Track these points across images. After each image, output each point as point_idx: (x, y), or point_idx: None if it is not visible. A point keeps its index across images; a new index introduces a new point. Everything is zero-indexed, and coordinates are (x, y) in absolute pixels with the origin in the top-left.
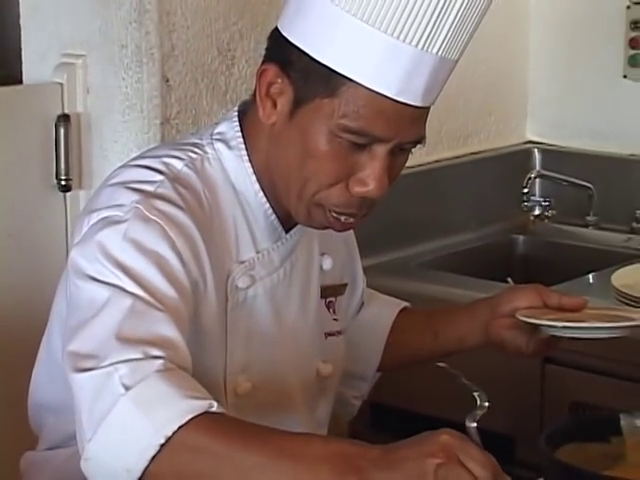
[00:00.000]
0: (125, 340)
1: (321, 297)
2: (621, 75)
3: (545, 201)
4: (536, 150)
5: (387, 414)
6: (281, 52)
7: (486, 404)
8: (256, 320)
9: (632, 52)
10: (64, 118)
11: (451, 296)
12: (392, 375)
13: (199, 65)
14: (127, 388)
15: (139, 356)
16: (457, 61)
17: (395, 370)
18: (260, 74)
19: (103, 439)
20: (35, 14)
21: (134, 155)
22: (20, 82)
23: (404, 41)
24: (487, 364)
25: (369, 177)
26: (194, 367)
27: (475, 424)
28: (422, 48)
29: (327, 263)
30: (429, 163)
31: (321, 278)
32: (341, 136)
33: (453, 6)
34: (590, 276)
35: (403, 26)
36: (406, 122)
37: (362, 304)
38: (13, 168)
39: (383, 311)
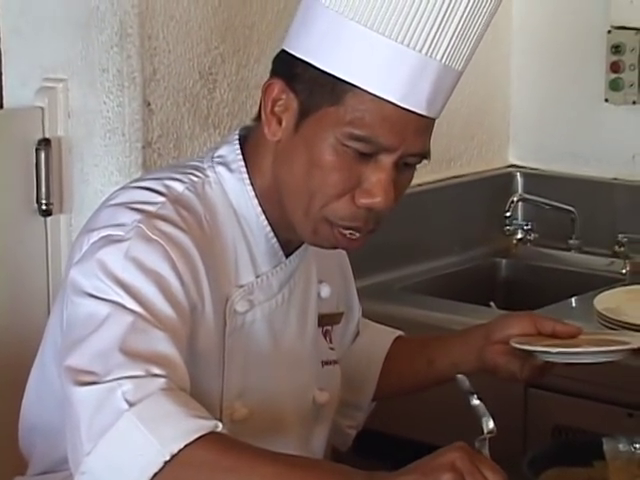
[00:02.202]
0: (128, 355)
1: (318, 325)
2: (602, 99)
3: (527, 224)
4: (518, 174)
5: (372, 439)
6: (286, 67)
7: (492, 427)
8: (254, 345)
9: (613, 76)
10: (45, 142)
11: (434, 320)
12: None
13: (181, 89)
14: (131, 404)
15: (142, 373)
16: (461, 73)
17: (390, 398)
18: (265, 89)
19: (103, 453)
20: (16, 38)
21: (115, 179)
22: (1, 106)
23: (408, 46)
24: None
25: (375, 187)
26: (190, 392)
27: (487, 450)
28: (426, 53)
29: (325, 291)
30: (412, 186)
31: (319, 306)
32: (347, 144)
33: (456, 12)
34: (573, 300)
35: (407, 31)
36: (411, 131)
37: (357, 333)
38: None
39: (378, 340)
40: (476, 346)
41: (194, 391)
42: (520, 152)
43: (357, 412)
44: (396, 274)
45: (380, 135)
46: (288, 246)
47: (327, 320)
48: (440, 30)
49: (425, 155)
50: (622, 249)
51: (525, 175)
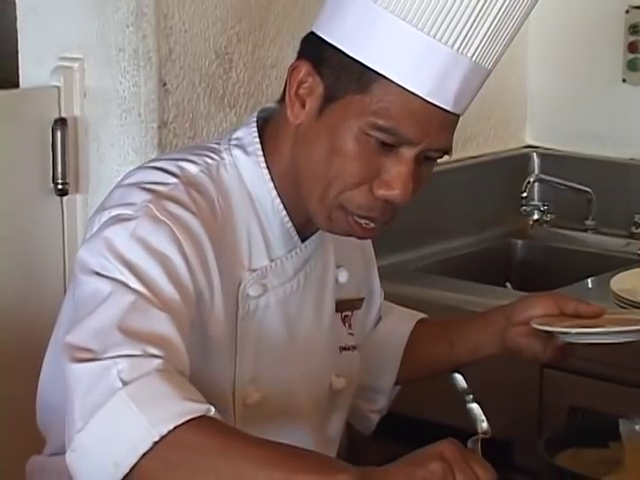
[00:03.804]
0: (126, 334)
1: (337, 311)
2: (620, 79)
3: (544, 205)
4: (535, 154)
5: (392, 422)
6: (315, 50)
7: (486, 428)
8: (267, 330)
9: (631, 56)
10: (61, 122)
11: (449, 301)
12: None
13: (196, 69)
14: (125, 383)
15: (138, 353)
16: (490, 72)
17: (412, 381)
18: (292, 71)
19: (94, 430)
20: (32, 17)
21: (131, 159)
22: (17, 86)
23: (440, 40)
24: (485, 369)
25: (394, 180)
26: (202, 376)
27: (479, 449)
28: (457, 50)
29: (343, 276)
30: None
31: (336, 291)
32: (370, 134)
33: (491, 10)
34: (589, 281)
35: (440, 25)
36: (435, 126)
37: (379, 318)
38: (10, 172)
39: (400, 324)
40: (497, 328)
41: (206, 377)
42: (537, 133)
43: (379, 396)
44: (412, 255)
45: (404, 128)
46: (304, 231)
47: (346, 306)
48: (474, 27)
49: (447, 151)
50: (639, 230)
51: (542, 156)
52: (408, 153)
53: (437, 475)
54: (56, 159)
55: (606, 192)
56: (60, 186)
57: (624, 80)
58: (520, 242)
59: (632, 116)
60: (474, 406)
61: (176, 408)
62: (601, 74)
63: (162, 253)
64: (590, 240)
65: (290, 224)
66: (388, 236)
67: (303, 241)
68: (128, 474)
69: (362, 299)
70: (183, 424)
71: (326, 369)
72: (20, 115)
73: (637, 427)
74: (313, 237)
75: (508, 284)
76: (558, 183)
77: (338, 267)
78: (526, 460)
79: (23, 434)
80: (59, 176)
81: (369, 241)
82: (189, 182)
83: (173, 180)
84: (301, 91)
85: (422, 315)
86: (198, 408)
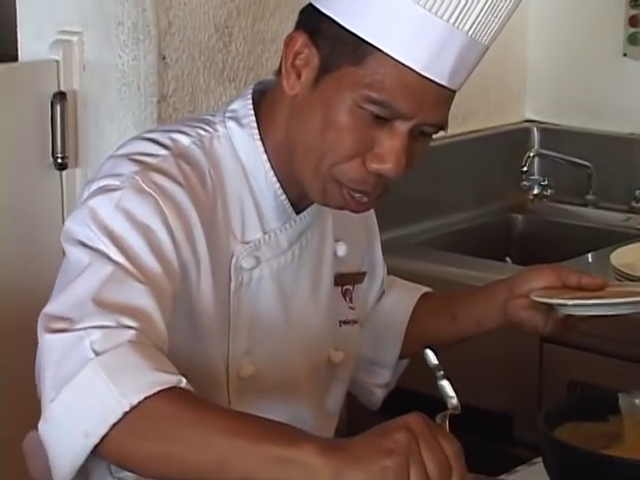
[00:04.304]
0: (100, 305)
1: (337, 285)
2: (621, 53)
3: (544, 180)
4: (535, 129)
5: (396, 396)
6: (311, 21)
7: (456, 404)
8: (261, 303)
9: (632, 30)
10: (60, 96)
11: (449, 275)
12: None
13: (196, 42)
14: (97, 353)
15: (112, 324)
16: (487, 48)
17: (415, 356)
18: (288, 42)
19: (66, 401)
20: None
21: (130, 133)
22: (16, 59)
23: (436, 14)
24: (486, 344)
25: (387, 154)
26: (193, 349)
27: (447, 425)
28: (453, 24)
29: (342, 250)
30: None
31: (336, 265)
32: (364, 107)
33: None
34: (589, 255)
35: None
36: (429, 101)
37: (383, 292)
38: (9, 146)
39: (404, 298)
40: (500, 300)
41: (197, 348)
42: (537, 107)
43: (384, 370)
44: (412, 229)
45: (398, 101)
46: (299, 204)
47: (346, 280)
48: (470, 2)
49: (442, 126)
50: (639, 204)
51: (542, 130)
52: (402, 127)
53: (402, 445)
54: (55, 133)
55: (606, 166)
56: (59, 160)
57: (625, 54)
58: (520, 217)
59: (632, 90)
60: (444, 383)
61: (147, 379)
62: (601, 48)
63: (146, 225)
64: (590, 215)
65: (284, 196)
66: (388, 211)
67: (298, 214)
68: (99, 444)
69: (364, 273)
70: (154, 395)
71: (324, 342)
72: (19, 89)
73: (637, 401)
74: (308, 210)
75: (508, 259)
76: (558, 158)
77: (337, 241)
78: (526, 434)
79: (25, 407)
80: (58, 150)
81: (373, 214)
82: (180, 154)
83: (163, 152)
84: (297, 62)
85: (426, 289)
86: (169, 379)
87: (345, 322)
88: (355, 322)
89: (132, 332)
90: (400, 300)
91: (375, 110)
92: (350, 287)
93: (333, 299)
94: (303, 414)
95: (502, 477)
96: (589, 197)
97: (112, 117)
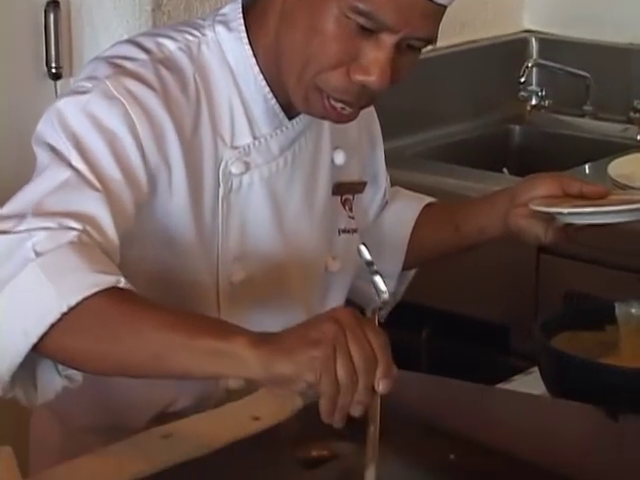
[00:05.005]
0: (49, 208)
1: (336, 194)
2: None
3: (542, 91)
4: (533, 39)
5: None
6: None
7: (386, 298)
8: (252, 209)
9: None
10: (54, 4)
11: (446, 186)
12: None
13: None
14: (38, 254)
15: (54, 226)
16: None
17: (420, 265)
18: None
19: (6, 300)
20: None
21: None
22: None
23: None
24: (483, 255)
25: (372, 65)
26: (174, 263)
27: (376, 320)
28: None
29: (340, 158)
30: (424, 52)
31: (335, 174)
32: (349, 17)
33: None
34: (586, 166)
35: None
36: (417, 14)
37: (386, 203)
38: (3, 56)
39: (407, 208)
40: (501, 209)
41: (178, 260)
42: (535, 16)
43: (388, 280)
44: (409, 140)
45: (384, 13)
46: (291, 109)
47: (346, 189)
48: None
49: (431, 41)
50: (637, 115)
51: (540, 40)
52: (388, 40)
53: (329, 336)
54: (49, 42)
55: (605, 77)
56: (54, 70)
57: None
58: (518, 128)
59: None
60: (377, 278)
61: (85, 280)
62: None
63: (111, 131)
64: (588, 126)
65: (274, 101)
66: (385, 122)
67: (291, 120)
68: (38, 343)
69: (364, 183)
70: (92, 295)
71: (320, 251)
72: None
73: (633, 310)
74: (301, 116)
75: (505, 170)
76: (556, 68)
77: (335, 149)
78: (522, 344)
79: None
80: (52, 59)
81: (376, 121)
82: (162, 59)
83: (143, 56)
84: None
85: (429, 199)
86: (107, 279)
87: (345, 231)
88: (355, 231)
89: (74, 233)
90: (403, 210)
91: (361, 21)
92: (350, 197)
93: (331, 208)
94: (298, 321)
95: (498, 386)
96: (587, 108)
97: (106, 26)
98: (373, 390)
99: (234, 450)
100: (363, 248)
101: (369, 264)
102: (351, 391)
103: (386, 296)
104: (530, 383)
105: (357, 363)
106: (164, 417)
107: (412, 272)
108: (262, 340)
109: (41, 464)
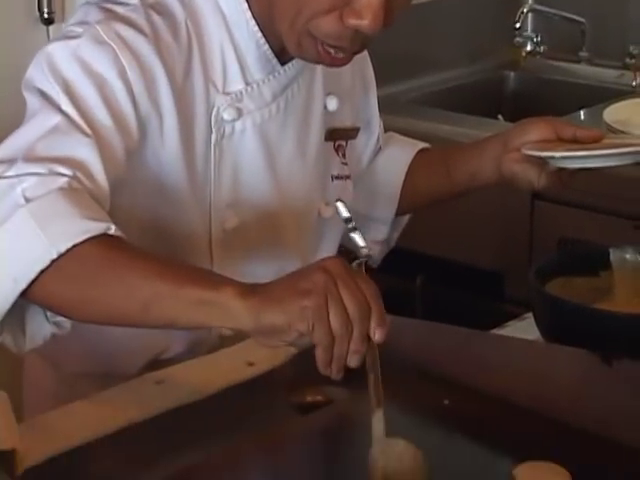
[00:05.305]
0: (39, 153)
1: (329, 140)
2: None
3: (537, 36)
4: None
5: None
6: None
7: (366, 253)
8: (245, 155)
9: None
10: None
11: (441, 132)
12: None
13: None
14: (28, 200)
15: (44, 171)
16: None
17: (412, 212)
18: None
19: None
20: None
21: None
22: None
23: None
24: (477, 202)
25: (365, 9)
26: (166, 213)
27: (363, 269)
28: None
29: (332, 104)
30: None
31: (328, 120)
32: None
33: None
34: (582, 112)
35: None
36: None
37: (379, 149)
38: None
39: (400, 154)
40: (494, 154)
41: (170, 209)
42: None
43: (381, 226)
44: (403, 86)
45: None
46: (284, 55)
47: (339, 135)
48: None
49: None
50: (633, 61)
51: None
52: None
53: (320, 286)
54: None
55: (600, 22)
56: (46, 15)
57: None
58: (513, 74)
59: None
60: (355, 235)
61: (76, 226)
62: None
63: (101, 76)
64: (583, 71)
65: (267, 46)
66: (379, 68)
67: (283, 66)
68: (27, 289)
69: (357, 129)
70: (82, 242)
71: (313, 197)
72: None
73: (627, 256)
74: (294, 62)
75: (500, 116)
76: (552, 13)
77: (328, 94)
78: (516, 291)
79: None
80: (45, 4)
81: (370, 67)
82: (153, 4)
83: (134, 1)
84: None
85: (423, 144)
86: (97, 226)
87: (337, 177)
88: (348, 177)
89: (65, 179)
90: (396, 156)
91: None
92: (343, 143)
93: (324, 154)
94: (291, 269)
95: (493, 332)
96: (582, 54)
97: None
98: (368, 339)
99: (228, 396)
100: (340, 205)
101: (347, 220)
102: (346, 340)
103: (365, 251)
104: (524, 329)
105: (351, 312)
106: (157, 364)
107: (406, 218)
108: (251, 291)
109: (35, 409)
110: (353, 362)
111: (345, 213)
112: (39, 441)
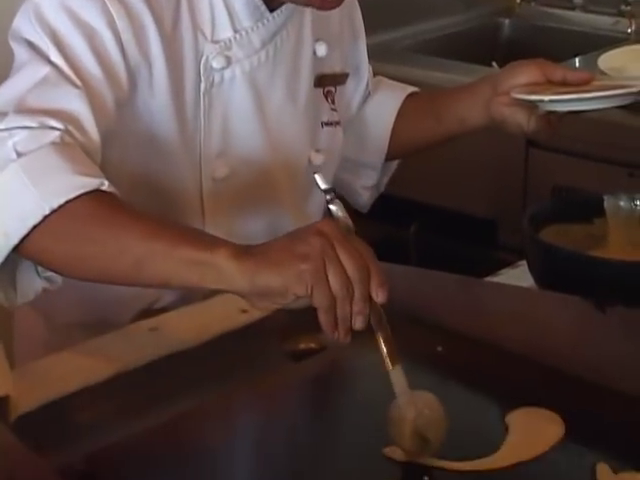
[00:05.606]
0: (29, 106)
1: (318, 86)
2: None
3: None
4: None
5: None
6: None
7: (351, 227)
8: (234, 103)
9: None
10: None
11: (434, 80)
12: None
13: None
14: (19, 155)
15: (36, 125)
16: None
17: (402, 158)
18: None
19: None
20: None
21: None
22: None
23: None
24: (470, 148)
25: None
26: (157, 166)
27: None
28: None
29: (321, 50)
30: None
31: (317, 66)
32: None
33: None
34: (576, 59)
35: None
36: None
37: (368, 94)
38: None
39: (389, 99)
40: (483, 98)
41: (160, 162)
42: None
43: (370, 171)
44: (397, 33)
45: None
46: (272, 1)
47: (328, 81)
48: None
49: None
50: (628, 8)
51: None
52: None
53: (316, 249)
54: None
55: None
56: None
57: None
58: (507, 21)
59: None
60: (333, 208)
61: (68, 182)
62: None
63: (90, 26)
64: (578, 19)
65: None
66: (372, 15)
67: (272, 12)
68: (19, 244)
69: (346, 74)
70: (75, 198)
71: (303, 144)
72: None
73: (622, 203)
74: (282, 8)
75: (494, 63)
76: None
77: (317, 40)
78: (510, 238)
79: None
80: None
81: (358, 12)
82: None
83: None
84: None
85: (412, 88)
86: (90, 182)
87: (327, 123)
88: (338, 124)
89: (56, 133)
90: (386, 101)
91: None
92: (332, 89)
93: (314, 101)
94: (282, 219)
95: (486, 279)
96: (577, 0)
97: None
98: (370, 300)
99: (221, 343)
100: (318, 177)
101: (326, 192)
102: (348, 301)
103: (351, 224)
104: (518, 276)
105: (351, 273)
106: (150, 313)
107: (395, 163)
108: (245, 252)
109: (27, 359)
110: (358, 324)
111: (323, 184)
112: (32, 388)
